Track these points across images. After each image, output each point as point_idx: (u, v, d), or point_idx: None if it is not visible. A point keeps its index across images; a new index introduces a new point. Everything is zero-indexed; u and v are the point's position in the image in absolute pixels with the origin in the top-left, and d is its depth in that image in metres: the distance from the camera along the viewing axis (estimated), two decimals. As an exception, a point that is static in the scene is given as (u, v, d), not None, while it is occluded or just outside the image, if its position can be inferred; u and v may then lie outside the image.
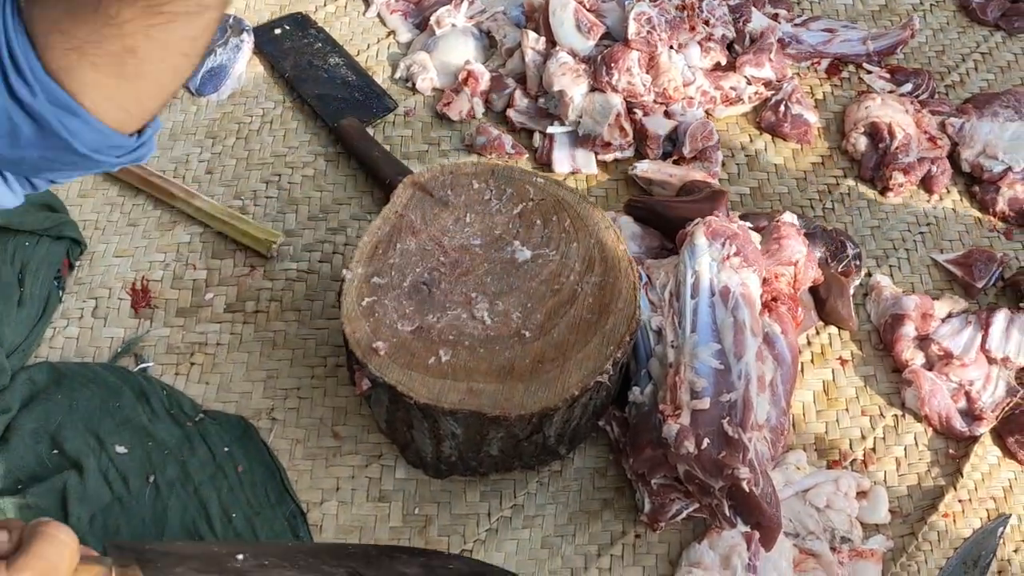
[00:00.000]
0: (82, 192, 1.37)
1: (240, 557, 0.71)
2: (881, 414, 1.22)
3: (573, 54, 1.43)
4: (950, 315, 1.29)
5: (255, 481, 1.12)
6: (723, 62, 1.50)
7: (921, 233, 1.41)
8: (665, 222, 1.28)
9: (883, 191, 1.44)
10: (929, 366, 1.24)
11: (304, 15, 1.60)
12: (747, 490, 0.99)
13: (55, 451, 1.12)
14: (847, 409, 1.23)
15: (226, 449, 1.14)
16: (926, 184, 1.45)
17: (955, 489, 1.16)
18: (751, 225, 1.27)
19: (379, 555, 0.99)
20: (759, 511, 1.00)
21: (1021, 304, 1.30)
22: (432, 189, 1.15)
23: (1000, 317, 1.26)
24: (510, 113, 1.46)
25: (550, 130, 1.43)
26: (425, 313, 1.05)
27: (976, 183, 1.45)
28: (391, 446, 1.16)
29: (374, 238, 1.11)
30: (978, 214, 1.44)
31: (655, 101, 1.42)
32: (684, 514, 1.09)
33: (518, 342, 1.04)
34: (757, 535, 1.05)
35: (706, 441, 1.01)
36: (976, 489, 1.17)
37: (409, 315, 1.05)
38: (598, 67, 1.39)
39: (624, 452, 1.12)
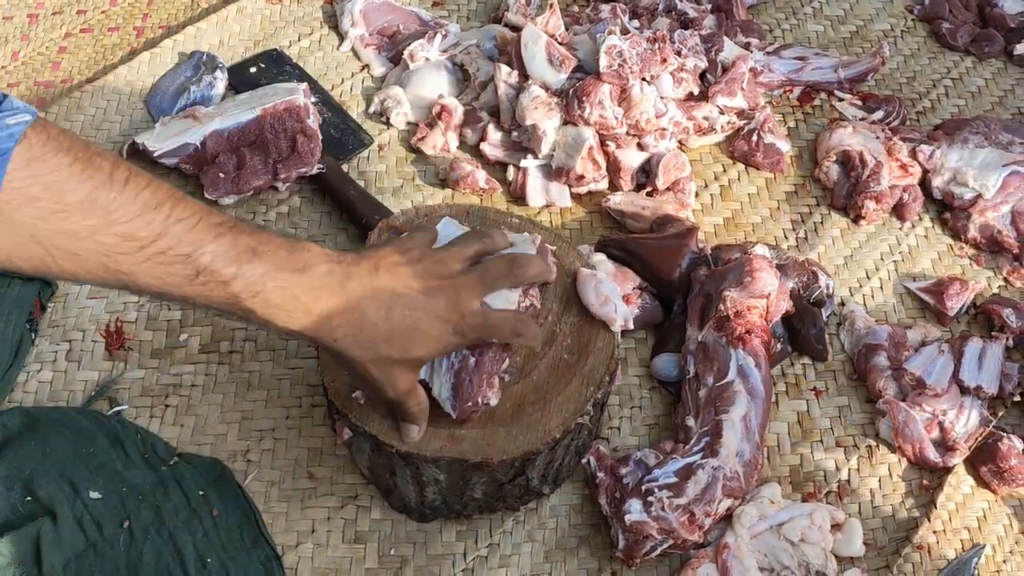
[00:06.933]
0: (56, 233, 1.37)
1: None
2: (855, 445, 1.23)
3: (545, 87, 1.44)
4: (923, 344, 1.29)
5: (230, 525, 1.12)
6: (696, 92, 1.51)
7: (894, 261, 1.42)
8: (638, 260, 1.29)
9: (855, 219, 1.45)
10: (902, 396, 1.25)
11: (279, 51, 1.60)
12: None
13: (28, 498, 1.11)
14: (821, 441, 1.23)
15: (201, 493, 1.13)
16: (898, 212, 1.46)
17: (929, 520, 1.16)
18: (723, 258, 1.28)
19: None
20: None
21: (993, 332, 1.31)
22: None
23: (972, 346, 1.27)
24: (483, 147, 1.47)
25: (523, 164, 1.43)
26: None
27: (948, 210, 1.46)
28: (367, 487, 1.16)
29: None
30: (950, 241, 1.45)
31: (628, 133, 1.42)
32: (659, 550, 1.09)
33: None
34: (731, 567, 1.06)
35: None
36: (950, 520, 1.17)
37: None
38: (570, 101, 1.40)
39: (599, 488, 1.13)
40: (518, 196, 1.44)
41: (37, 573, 1.05)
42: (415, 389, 0.97)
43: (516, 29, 1.55)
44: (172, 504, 1.12)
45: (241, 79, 1.55)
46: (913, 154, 1.49)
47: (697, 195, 1.46)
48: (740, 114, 1.51)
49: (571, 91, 1.41)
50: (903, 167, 1.47)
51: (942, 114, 1.61)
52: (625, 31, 1.44)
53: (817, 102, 1.61)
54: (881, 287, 1.39)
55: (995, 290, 1.40)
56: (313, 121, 1.41)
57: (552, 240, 1.15)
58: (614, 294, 1.09)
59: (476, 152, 1.49)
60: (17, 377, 1.22)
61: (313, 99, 1.45)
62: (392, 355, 0.91)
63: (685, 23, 1.62)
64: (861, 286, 1.39)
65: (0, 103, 0.72)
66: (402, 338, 0.90)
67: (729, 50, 1.55)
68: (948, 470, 1.20)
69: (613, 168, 1.43)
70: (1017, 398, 1.26)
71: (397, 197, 1.44)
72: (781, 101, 1.61)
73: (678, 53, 1.48)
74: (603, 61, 1.40)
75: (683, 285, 1.28)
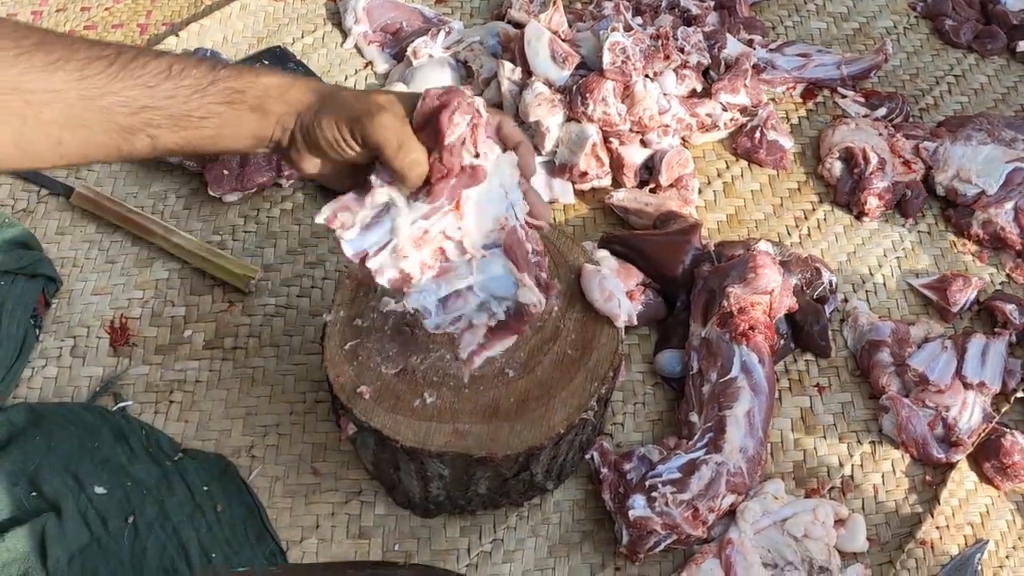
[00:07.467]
0: (59, 229, 1.37)
1: None
2: (858, 441, 1.23)
3: (549, 84, 1.44)
4: (926, 340, 1.29)
5: (234, 520, 1.12)
6: (698, 89, 1.51)
7: (897, 258, 1.42)
8: (642, 256, 1.29)
9: (859, 216, 1.45)
10: (906, 392, 1.25)
11: (283, 48, 1.60)
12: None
13: (33, 493, 1.11)
14: (824, 437, 1.23)
15: (205, 488, 1.14)
16: (901, 208, 1.46)
17: (932, 516, 1.16)
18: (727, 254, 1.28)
19: (324, 571, 1.00)
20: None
21: (996, 328, 1.31)
22: None
23: (975, 342, 1.27)
24: (487, 143, 1.47)
25: (527, 160, 1.43)
26: (408, 355, 1.05)
27: (951, 206, 1.46)
28: (371, 482, 1.16)
29: (355, 280, 1.10)
30: (953, 238, 1.45)
31: (631, 130, 1.42)
32: (662, 546, 1.09)
33: (502, 381, 1.05)
34: (734, 562, 1.06)
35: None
36: (953, 515, 1.17)
37: (392, 357, 1.05)
38: (573, 97, 1.40)
39: (603, 484, 1.13)
40: (521, 193, 1.43)
41: (42, 567, 1.06)
42: (410, 141, 0.85)
43: (519, 26, 1.55)
44: (176, 499, 1.12)
45: (245, 76, 1.54)
46: (916, 151, 1.49)
47: (700, 192, 1.46)
48: (743, 111, 1.52)
49: (574, 88, 1.41)
50: (906, 164, 1.47)
51: (945, 111, 1.61)
52: (628, 28, 1.44)
53: (820, 99, 1.61)
54: (884, 283, 1.39)
55: (998, 286, 1.40)
56: (317, 118, 1.40)
57: (556, 236, 1.15)
58: (618, 290, 1.09)
59: (479, 149, 1.49)
60: (22, 373, 1.23)
61: (317, 96, 1.45)
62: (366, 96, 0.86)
63: (688, 20, 1.62)
64: (864, 282, 1.39)
65: None
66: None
67: (732, 47, 1.55)
68: (951, 466, 1.20)
69: (616, 165, 1.43)
70: (1020, 394, 1.26)
71: (400, 194, 1.44)
72: (784, 98, 1.61)
73: (681, 50, 1.48)
74: (606, 58, 1.40)
75: (686, 281, 1.29)
